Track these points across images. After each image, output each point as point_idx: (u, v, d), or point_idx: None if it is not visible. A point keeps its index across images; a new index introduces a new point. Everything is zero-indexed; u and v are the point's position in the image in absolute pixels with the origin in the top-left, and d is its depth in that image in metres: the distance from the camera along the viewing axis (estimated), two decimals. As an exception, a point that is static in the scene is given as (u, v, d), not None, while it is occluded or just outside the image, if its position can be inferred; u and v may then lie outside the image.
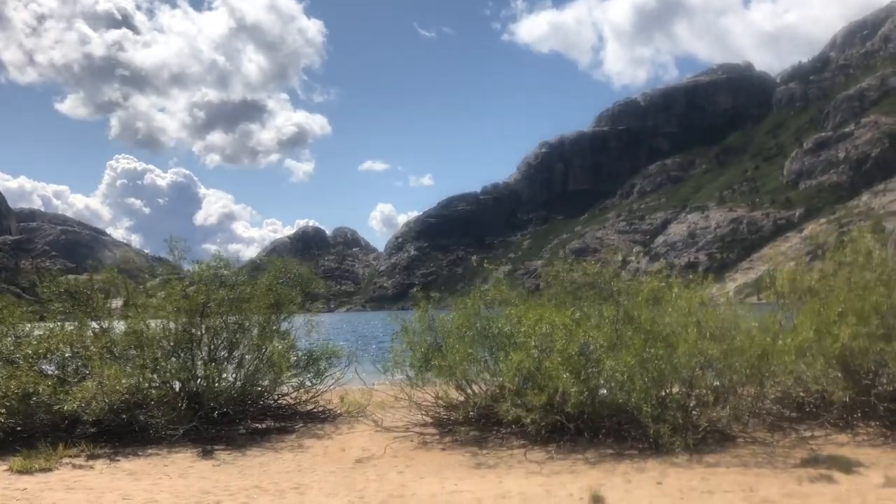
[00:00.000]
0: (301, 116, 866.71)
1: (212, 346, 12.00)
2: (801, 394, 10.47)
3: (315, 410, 12.82)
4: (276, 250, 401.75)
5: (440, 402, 10.82)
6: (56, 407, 9.80)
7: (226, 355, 12.00)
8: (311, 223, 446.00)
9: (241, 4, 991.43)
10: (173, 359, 11.53)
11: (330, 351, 13.16)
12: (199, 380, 11.34)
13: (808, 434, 9.40)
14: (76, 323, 11.73)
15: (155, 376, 11.24)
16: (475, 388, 10.68)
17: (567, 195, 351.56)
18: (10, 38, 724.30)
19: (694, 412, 9.20)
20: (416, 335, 10.90)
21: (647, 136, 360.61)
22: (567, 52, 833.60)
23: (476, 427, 10.34)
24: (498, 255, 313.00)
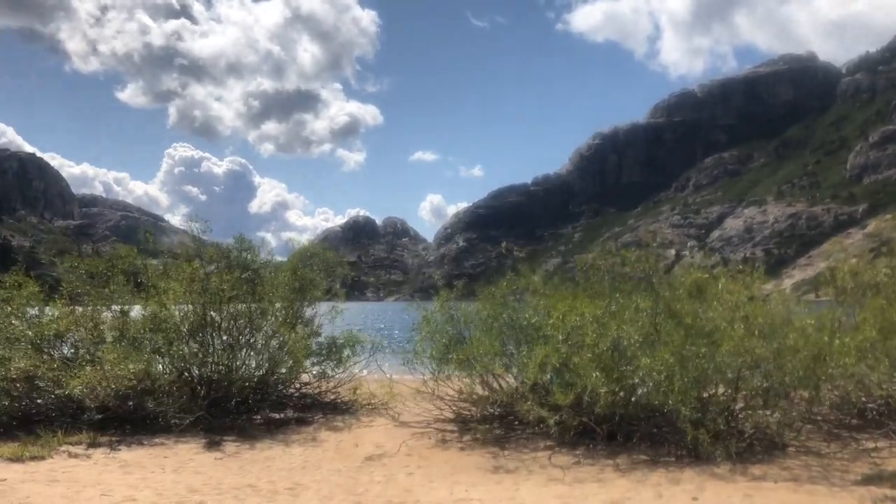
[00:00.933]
0: (353, 107, 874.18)
1: (231, 332, 11.47)
2: (863, 399, 9.38)
3: (337, 401, 12.23)
4: (327, 239, 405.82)
5: (462, 396, 10.09)
6: (58, 392, 9.37)
7: (243, 341, 11.44)
8: (361, 213, 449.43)
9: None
10: (189, 344, 11.04)
11: (353, 338, 12.54)
12: (212, 366, 10.80)
13: (870, 445, 8.30)
14: (90, 305, 11.30)
15: (167, 361, 10.77)
16: (501, 382, 9.93)
17: (620, 187, 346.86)
18: (74, 29, 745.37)
19: (739, 416, 8.28)
20: (437, 325, 10.18)
21: (704, 129, 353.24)
22: (623, 41, 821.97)
23: (500, 425, 9.60)
24: (548, 247, 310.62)
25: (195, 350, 10.92)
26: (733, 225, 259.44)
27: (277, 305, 11.97)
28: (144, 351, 10.22)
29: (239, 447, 9.35)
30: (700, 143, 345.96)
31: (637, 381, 8.16)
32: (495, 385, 9.86)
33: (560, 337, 8.37)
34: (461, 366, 9.31)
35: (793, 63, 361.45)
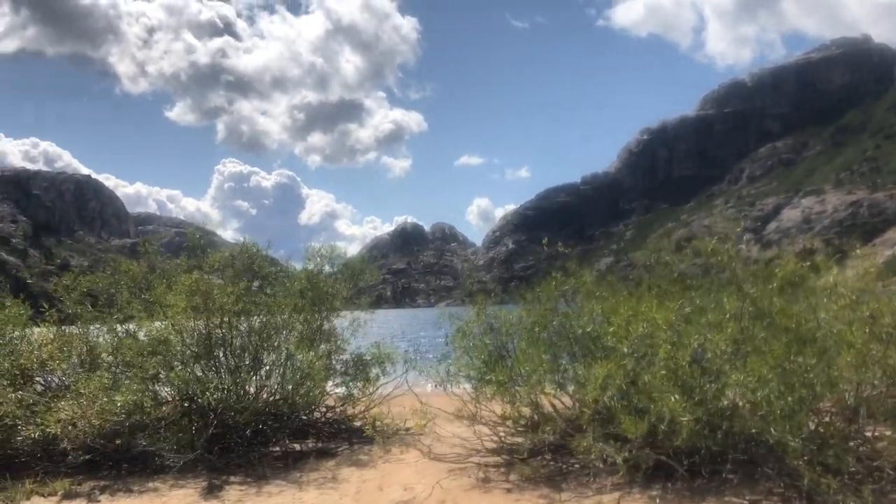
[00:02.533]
0: (397, 114, 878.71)
1: (236, 352, 10.01)
2: None
3: (364, 427, 10.65)
4: (377, 247, 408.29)
5: (507, 422, 8.41)
6: (29, 431, 8.00)
7: (252, 363, 9.95)
8: (409, 219, 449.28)
9: (336, 6, 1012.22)
10: (191, 368, 9.62)
11: (382, 355, 10.97)
12: (217, 393, 9.33)
13: None
14: (84, 326, 9.99)
15: (166, 389, 9.36)
16: (553, 402, 8.25)
17: (671, 182, 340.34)
18: (123, 52, 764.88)
19: (863, 447, 6.43)
20: (474, 339, 8.52)
21: (756, 118, 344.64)
22: (666, 34, 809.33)
23: (554, 456, 7.90)
24: (600, 246, 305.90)
25: (197, 375, 9.48)
26: (790, 216, 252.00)
27: (289, 318, 10.47)
28: (136, 379, 8.80)
29: (244, 492, 7.85)
30: (752, 133, 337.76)
31: (726, 403, 6.38)
32: (547, 407, 8.19)
33: (625, 349, 6.62)
34: (503, 389, 7.62)
35: (846, 47, 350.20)
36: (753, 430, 6.10)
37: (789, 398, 6.09)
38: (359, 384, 10.74)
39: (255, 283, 11.24)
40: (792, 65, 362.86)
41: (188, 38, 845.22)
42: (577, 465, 7.63)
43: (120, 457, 8.64)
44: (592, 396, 6.33)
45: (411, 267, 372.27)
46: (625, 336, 6.96)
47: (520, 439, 8.31)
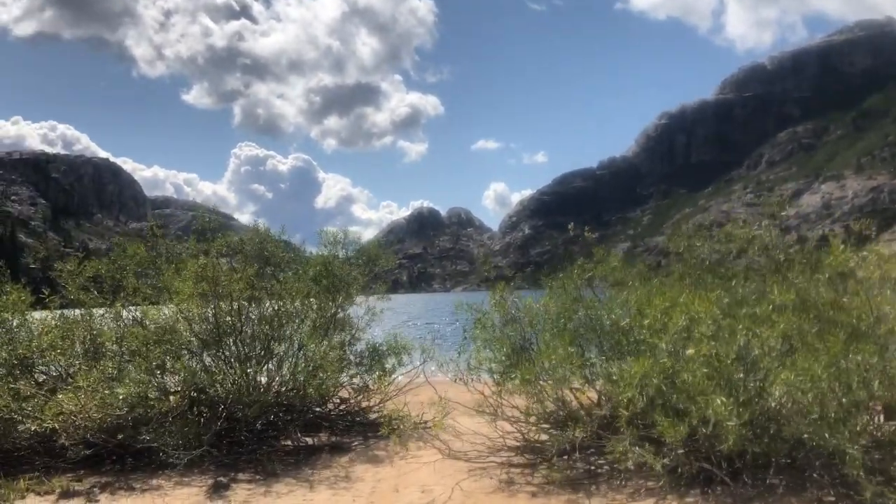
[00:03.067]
0: (414, 97, 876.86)
1: (251, 342, 9.57)
2: None
3: (380, 421, 10.19)
4: (393, 231, 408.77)
5: (531, 418, 7.90)
6: (25, 426, 7.60)
7: (262, 352, 9.49)
8: (425, 204, 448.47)
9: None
10: (199, 357, 9.20)
11: (398, 346, 10.50)
12: (226, 384, 8.88)
13: None
14: (85, 313, 9.57)
15: (173, 380, 8.94)
16: (581, 398, 7.73)
17: (689, 167, 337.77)
18: (140, 35, 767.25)
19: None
20: (494, 330, 7.99)
21: (776, 103, 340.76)
22: (685, 17, 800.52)
23: (583, 455, 7.38)
24: (616, 231, 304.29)
25: (205, 365, 9.05)
26: (810, 201, 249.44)
27: (302, 306, 10.02)
28: (140, 369, 8.37)
29: (251, 491, 7.40)
30: (772, 117, 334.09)
31: (773, 404, 5.83)
32: (573, 404, 7.67)
33: (663, 346, 6.07)
34: (527, 385, 7.09)
35: (869, 29, 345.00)
36: (805, 435, 5.54)
37: (844, 399, 5.55)
38: (374, 375, 10.29)
39: (268, 269, 10.79)
40: (814, 48, 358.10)
41: (205, 20, 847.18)
42: (606, 467, 7.12)
43: (124, 451, 8.24)
44: (628, 396, 5.79)
45: (427, 252, 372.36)
46: (661, 329, 6.41)
47: (544, 437, 7.81)
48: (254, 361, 9.29)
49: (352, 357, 10.34)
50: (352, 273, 10.79)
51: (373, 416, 10.34)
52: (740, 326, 5.87)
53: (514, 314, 7.94)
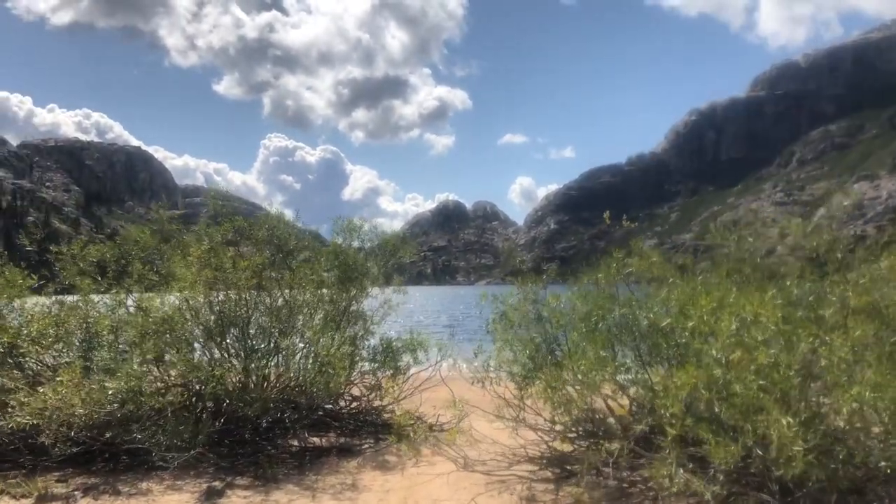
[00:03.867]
0: (442, 91, 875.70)
1: (257, 334, 8.91)
2: None
3: (392, 422, 9.50)
4: (418, 224, 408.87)
5: (556, 427, 7.15)
6: (6, 422, 6.98)
7: (267, 346, 8.82)
8: (451, 197, 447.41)
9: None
10: (204, 350, 8.57)
11: (414, 342, 9.80)
12: (230, 379, 8.22)
13: None
14: (81, 299, 8.97)
15: (172, 374, 8.31)
16: (612, 405, 6.96)
17: (718, 165, 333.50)
18: (173, 25, 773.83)
19: None
20: (517, 329, 7.22)
21: (809, 100, 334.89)
22: (717, 14, 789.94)
23: (616, 468, 6.60)
24: (643, 228, 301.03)
25: (208, 358, 8.41)
26: (841, 201, 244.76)
27: (313, 297, 9.34)
28: (134, 362, 7.73)
29: (247, 499, 6.74)
30: (805, 115, 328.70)
31: (843, 424, 5.02)
32: (604, 412, 6.90)
33: (714, 352, 5.26)
34: (553, 392, 6.31)
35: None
36: (882, 463, 4.73)
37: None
38: (387, 373, 9.60)
39: (279, 257, 10.12)
40: (850, 45, 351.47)
41: (236, 12, 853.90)
42: (640, 486, 6.35)
43: (117, 449, 7.62)
44: (674, 411, 5.01)
45: (452, 245, 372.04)
46: (710, 333, 5.61)
47: (568, 447, 7.05)
48: (259, 355, 8.62)
49: (364, 352, 9.66)
50: (366, 263, 10.11)
51: (386, 415, 9.65)
52: (804, 332, 5.05)
53: (540, 311, 7.13)
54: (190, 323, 8.49)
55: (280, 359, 8.90)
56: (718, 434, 4.96)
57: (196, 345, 8.69)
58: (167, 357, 8.33)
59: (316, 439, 8.99)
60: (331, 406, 9.60)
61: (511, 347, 7.08)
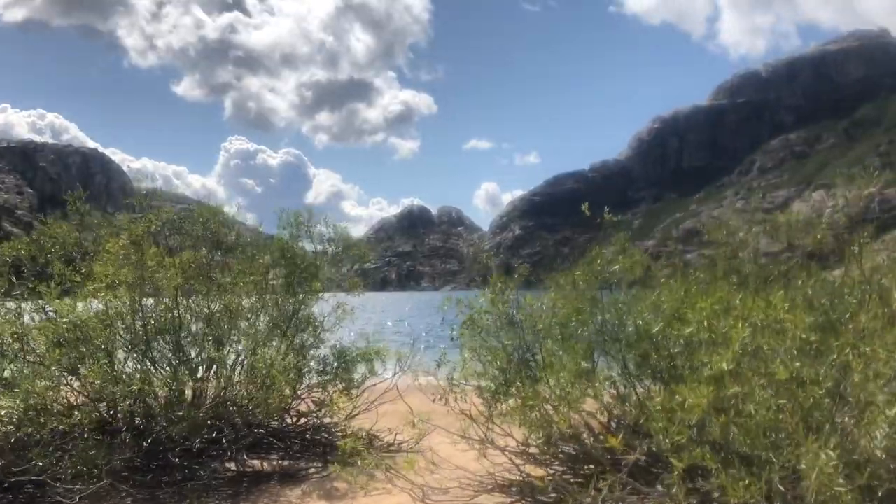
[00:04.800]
0: (407, 95, 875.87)
1: (187, 343, 7.81)
2: None
3: (343, 444, 8.46)
4: (383, 228, 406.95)
5: (529, 449, 6.19)
6: None
7: (202, 359, 7.72)
8: (415, 202, 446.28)
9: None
10: (109, 361, 7.44)
11: (370, 351, 8.80)
12: (152, 396, 7.11)
13: None
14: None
15: (80, 389, 7.17)
16: (593, 423, 6.02)
17: (681, 172, 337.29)
18: (132, 25, 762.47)
19: None
20: (487, 336, 6.21)
21: (769, 110, 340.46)
22: (679, 22, 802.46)
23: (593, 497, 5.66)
24: (607, 234, 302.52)
25: (126, 371, 7.29)
26: (801, 209, 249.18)
27: (257, 301, 8.30)
28: (36, 376, 6.59)
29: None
30: (765, 124, 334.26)
31: (881, 454, 4.14)
32: (583, 432, 5.96)
33: (724, 364, 4.32)
34: (527, 410, 5.35)
35: (864, 40, 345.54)
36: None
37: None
38: (339, 386, 8.58)
39: (218, 255, 9.05)
40: (808, 56, 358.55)
41: (197, 12, 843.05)
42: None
43: (16, 479, 6.48)
44: (679, 439, 4.08)
45: (417, 250, 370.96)
46: (713, 342, 4.69)
47: (542, 473, 6.10)
48: (190, 367, 7.53)
49: (313, 363, 8.63)
50: (316, 262, 9.09)
51: (338, 433, 8.61)
52: (838, 341, 4.16)
53: (513, 316, 6.14)
54: (109, 330, 7.36)
55: (214, 371, 7.82)
56: (731, 465, 4.05)
57: (120, 355, 7.58)
58: (82, 370, 7.21)
59: (256, 462, 7.94)
60: (276, 424, 8.57)
61: (479, 357, 6.09)
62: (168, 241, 8.24)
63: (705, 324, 4.93)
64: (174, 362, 7.61)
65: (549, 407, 5.52)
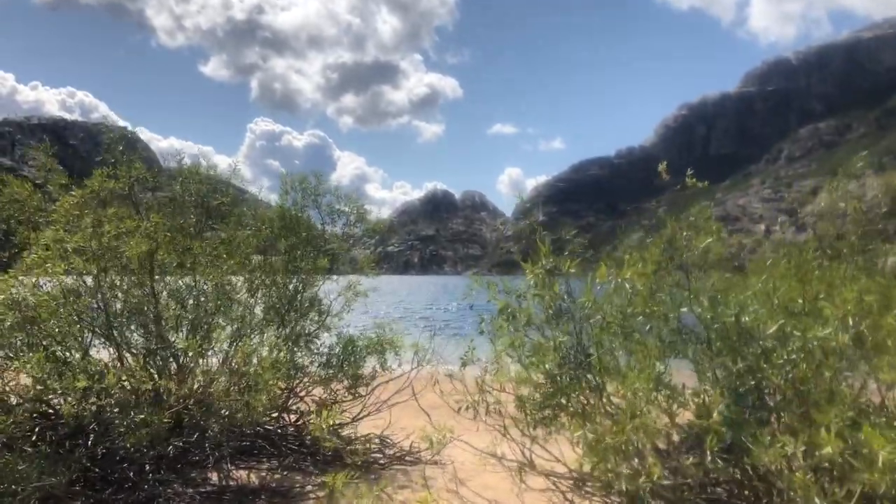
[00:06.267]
0: (433, 78, 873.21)
1: (159, 330, 6.42)
2: None
3: (348, 449, 7.06)
4: (406, 212, 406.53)
5: (590, 481, 4.73)
6: None
7: (172, 349, 6.32)
8: (439, 186, 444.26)
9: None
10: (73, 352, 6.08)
11: (383, 341, 7.39)
12: (108, 392, 5.72)
13: None
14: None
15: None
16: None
17: (707, 160, 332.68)
18: (161, 4, 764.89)
19: None
20: (529, 328, 4.68)
21: (799, 98, 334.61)
22: (708, 8, 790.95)
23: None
24: (631, 221, 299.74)
25: (77, 362, 5.92)
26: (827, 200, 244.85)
27: (249, 280, 6.90)
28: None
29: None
30: (794, 113, 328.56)
31: None
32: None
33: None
34: (589, 437, 3.88)
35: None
36: None
37: None
38: (345, 382, 7.19)
39: (209, 223, 7.65)
40: (841, 43, 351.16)
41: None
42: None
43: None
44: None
45: (440, 234, 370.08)
46: (877, 345, 3.21)
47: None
48: (152, 361, 6.16)
49: (316, 356, 7.23)
50: (324, 234, 7.69)
51: (345, 436, 7.22)
52: None
53: (565, 306, 4.60)
54: (62, 311, 5.99)
55: (187, 365, 6.43)
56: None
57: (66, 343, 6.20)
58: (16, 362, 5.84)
59: (244, 472, 6.59)
60: (270, 427, 7.23)
61: (519, 357, 4.59)
62: (142, 205, 6.81)
63: (850, 322, 3.44)
64: (135, 353, 6.24)
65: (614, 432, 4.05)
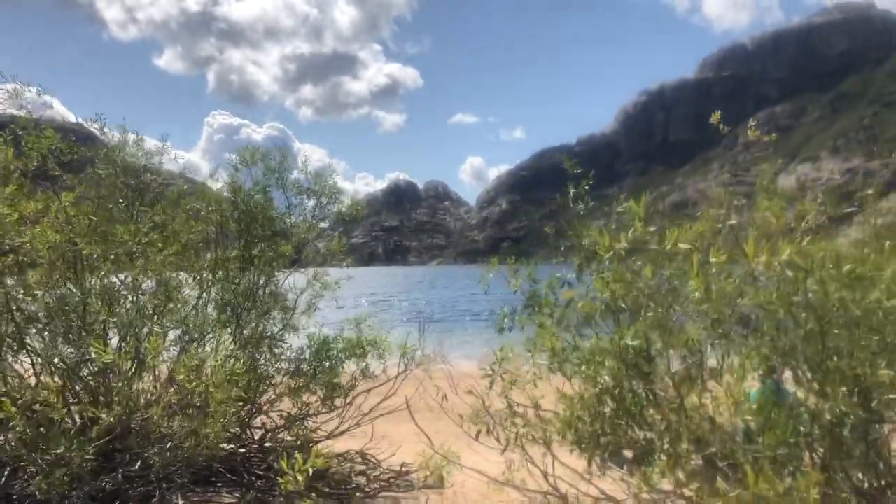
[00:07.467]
0: (393, 68, 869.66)
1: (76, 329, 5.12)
2: None
3: (328, 471, 5.84)
4: (369, 203, 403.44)
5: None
6: None
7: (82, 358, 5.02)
8: (402, 177, 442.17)
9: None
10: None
11: (364, 341, 6.17)
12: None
13: None
14: None
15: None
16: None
17: (667, 146, 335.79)
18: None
19: None
20: (572, 328, 3.46)
21: (755, 83, 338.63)
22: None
23: None
24: (593, 208, 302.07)
25: None
26: (785, 182, 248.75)
27: (199, 275, 5.62)
28: None
29: None
30: (751, 97, 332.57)
31: None
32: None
33: None
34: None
35: (849, 12, 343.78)
36: None
37: None
38: (319, 391, 5.96)
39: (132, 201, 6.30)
40: (793, 28, 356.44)
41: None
42: None
43: None
44: None
45: (404, 225, 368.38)
46: None
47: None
48: (68, 378, 4.85)
49: (282, 362, 5.99)
50: (288, 217, 6.44)
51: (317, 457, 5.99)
52: None
53: (643, 300, 3.36)
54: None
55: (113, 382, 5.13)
56: None
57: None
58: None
59: (212, 493, 5.34)
60: (230, 448, 5.96)
61: (559, 366, 3.38)
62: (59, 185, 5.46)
63: None
64: (54, 369, 4.94)
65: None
